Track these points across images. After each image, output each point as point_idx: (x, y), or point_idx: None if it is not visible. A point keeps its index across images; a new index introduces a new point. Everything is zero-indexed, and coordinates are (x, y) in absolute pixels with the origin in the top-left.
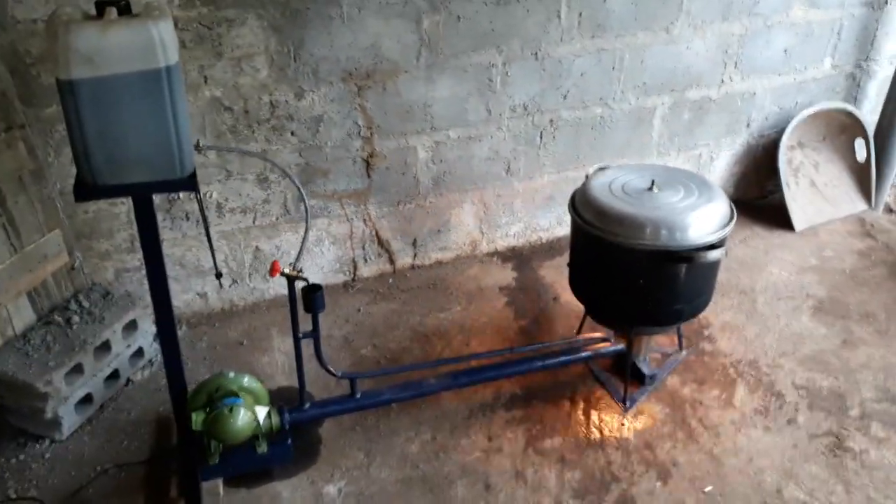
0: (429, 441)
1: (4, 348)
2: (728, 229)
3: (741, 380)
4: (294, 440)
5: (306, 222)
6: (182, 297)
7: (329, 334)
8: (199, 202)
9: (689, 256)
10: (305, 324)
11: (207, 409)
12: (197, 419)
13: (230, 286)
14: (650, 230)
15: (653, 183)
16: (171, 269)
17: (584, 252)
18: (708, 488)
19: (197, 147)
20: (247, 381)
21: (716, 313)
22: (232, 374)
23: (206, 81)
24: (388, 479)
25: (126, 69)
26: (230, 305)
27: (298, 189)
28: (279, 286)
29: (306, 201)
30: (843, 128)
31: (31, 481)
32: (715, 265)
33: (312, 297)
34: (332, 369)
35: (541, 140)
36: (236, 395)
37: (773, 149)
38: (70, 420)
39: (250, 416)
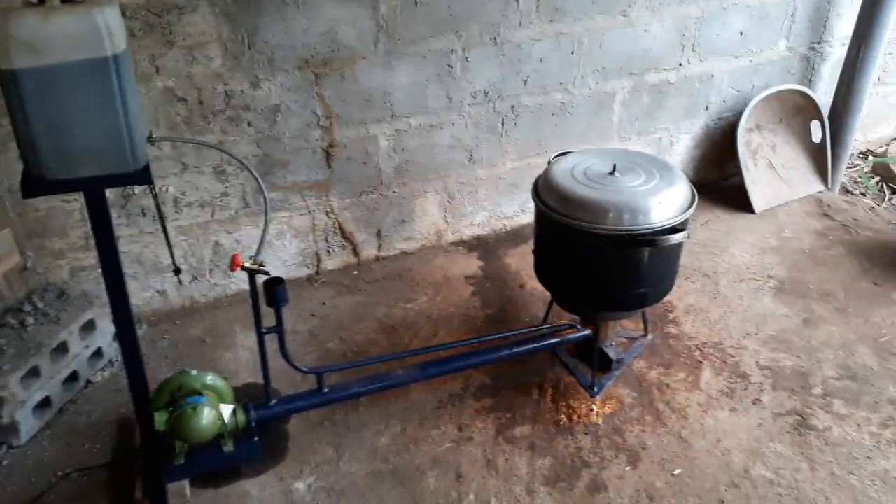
0: (398, 433)
1: None
2: (690, 212)
3: (707, 362)
4: (261, 437)
5: (265, 214)
6: (141, 296)
7: (294, 329)
8: (155, 196)
9: (651, 240)
10: (269, 319)
11: (170, 409)
12: (160, 419)
13: (190, 282)
14: (613, 214)
15: (614, 167)
16: (129, 267)
17: (548, 238)
18: (677, 471)
19: (150, 139)
20: (210, 378)
21: (680, 297)
22: (195, 372)
23: (157, 71)
24: (358, 473)
25: (71, 57)
26: (191, 302)
27: (256, 180)
28: (241, 281)
29: (265, 192)
30: (799, 109)
31: None
32: (678, 248)
33: (274, 290)
34: (297, 364)
35: (502, 127)
36: (199, 393)
37: (731, 131)
38: (28, 424)
39: (215, 414)
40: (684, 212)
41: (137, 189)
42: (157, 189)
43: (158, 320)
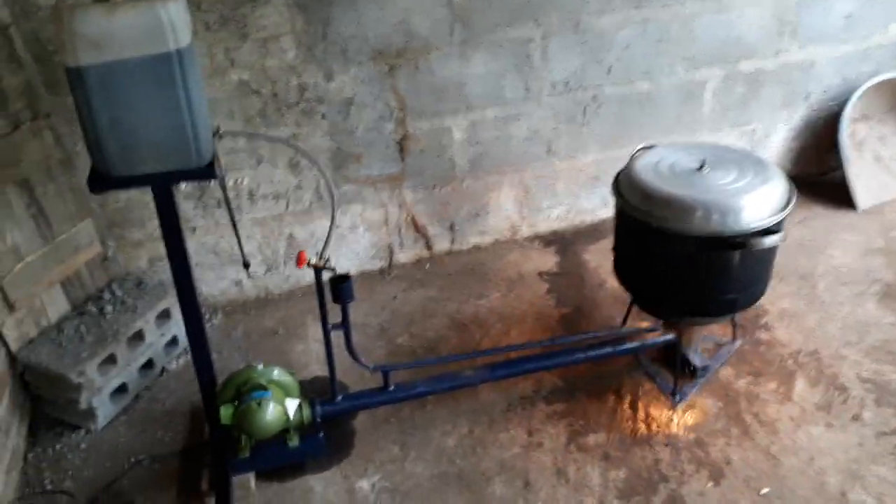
0: (466, 435)
1: (39, 339)
2: (786, 212)
3: (801, 372)
4: (326, 433)
5: (332, 212)
6: (217, 286)
7: (364, 322)
8: (224, 190)
9: (742, 242)
10: (337, 314)
11: (236, 403)
12: (225, 413)
13: (265, 274)
14: (700, 214)
15: (703, 163)
16: (205, 258)
17: (628, 237)
18: (764, 490)
19: (216, 133)
20: (276, 373)
21: (773, 300)
22: (261, 367)
23: (232, 64)
24: (423, 474)
25: (135, 53)
26: (265, 293)
27: (322, 173)
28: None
29: (331, 186)
30: None
31: (67, 472)
32: (772, 251)
33: (340, 287)
34: (364, 361)
35: (583, 117)
36: (265, 388)
37: (834, 122)
38: (105, 410)
39: (279, 409)
40: (780, 212)
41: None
42: (231, 181)
43: (233, 310)
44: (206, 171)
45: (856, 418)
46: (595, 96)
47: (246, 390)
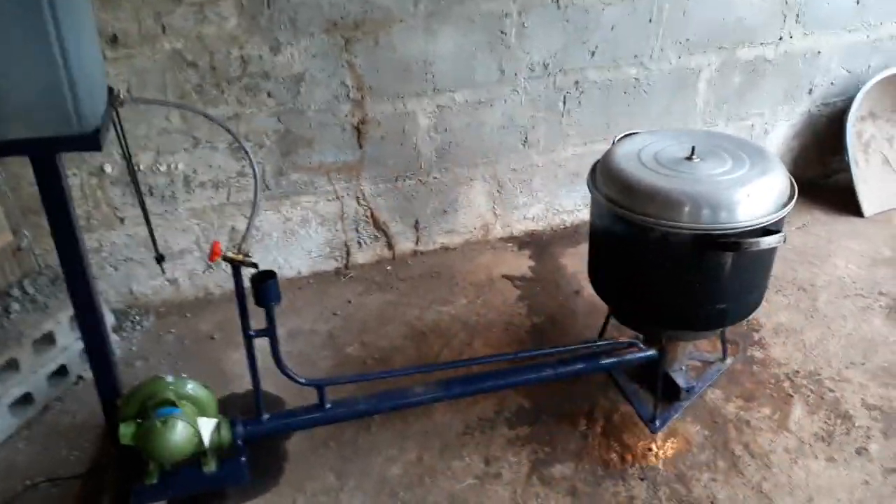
0: (413, 462)
1: None
2: (787, 209)
3: (798, 396)
4: (253, 457)
5: (255, 193)
6: (149, 284)
7: (312, 329)
8: (130, 169)
9: (737, 243)
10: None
11: (139, 421)
12: (125, 432)
13: (204, 272)
14: (689, 209)
15: (693, 151)
16: (136, 252)
17: (605, 237)
18: None
19: (115, 99)
20: (190, 387)
21: (769, 313)
22: (171, 379)
23: (163, 31)
24: None
25: None
26: (204, 293)
27: (235, 138)
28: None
29: (252, 160)
30: None
31: None
32: (770, 254)
33: (262, 286)
34: (293, 374)
35: (564, 106)
36: (174, 404)
37: (839, 120)
38: (3, 423)
39: (190, 430)
40: (780, 209)
41: (142, 164)
42: (164, 166)
43: (168, 312)
44: (90, 140)
45: (861, 452)
46: (577, 82)
47: (151, 406)
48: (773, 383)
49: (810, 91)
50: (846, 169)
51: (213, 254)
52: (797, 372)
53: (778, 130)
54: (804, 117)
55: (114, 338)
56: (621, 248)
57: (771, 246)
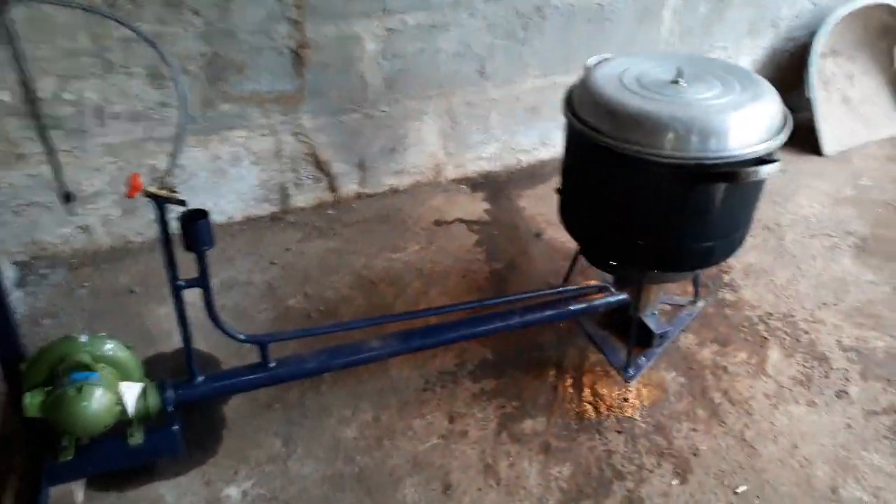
0: (369, 423)
1: None
2: (782, 137)
3: (774, 339)
4: (186, 424)
5: (181, 113)
6: (57, 232)
7: (248, 280)
8: (29, 96)
9: (733, 173)
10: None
11: (48, 389)
12: (32, 402)
13: (121, 217)
14: (677, 135)
15: (679, 73)
16: (40, 195)
17: (582, 169)
18: (741, 488)
19: None
20: (109, 347)
21: (737, 254)
22: (84, 338)
23: None
24: (311, 476)
25: None
26: (122, 242)
27: (156, 49)
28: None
29: (176, 70)
30: (886, 31)
31: None
32: (759, 188)
33: (193, 227)
34: (231, 330)
35: (524, 32)
36: (89, 368)
37: (801, 56)
38: None
39: (110, 397)
40: (775, 136)
41: (45, 92)
42: (70, 94)
43: (80, 263)
44: None
45: (841, 395)
46: (539, 7)
47: (63, 370)
48: (747, 326)
49: (775, 24)
50: (806, 107)
51: (131, 189)
52: (770, 314)
53: (740, 64)
54: (767, 52)
55: (16, 293)
56: (600, 180)
57: (770, 176)
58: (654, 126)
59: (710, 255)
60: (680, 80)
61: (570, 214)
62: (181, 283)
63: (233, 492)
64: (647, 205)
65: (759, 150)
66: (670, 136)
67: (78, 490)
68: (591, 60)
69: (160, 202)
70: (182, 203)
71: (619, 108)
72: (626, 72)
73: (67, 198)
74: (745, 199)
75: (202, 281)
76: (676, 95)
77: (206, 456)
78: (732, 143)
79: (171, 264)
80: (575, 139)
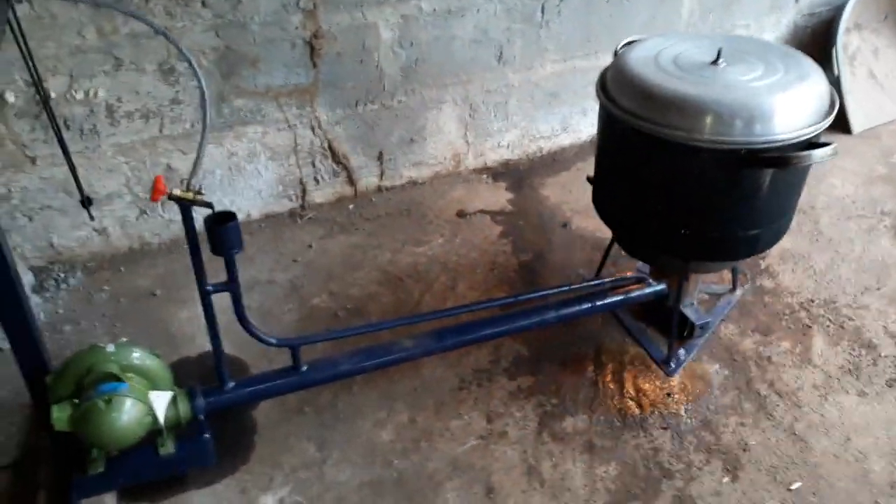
0: (406, 425)
1: None
2: (829, 119)
3: (817, 326)
4: (217, 432)
5: (203, 111)
6: (73, 235)
7: (270, 279)
8: (41, 96)
9: (780, 158)
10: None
11: (75, 402)
12: (60, 416)
13: (138, 219)
14: (721, 120)
15: (719, 54)
16: (54, 198)
17: (618, 155)
18: (795, 484)
19: None
20: (136, 355)
21: None
22: (112, 348)
23: None
24: (350, 482)
25: None
26: (140, 244)
27: (171, 42)
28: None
29: (196, 68)
30: None
31: None
32: (805, 173)
33: (221, 230)
34: (263, 334)
35: (542, 16)
36: (118, 378)
37: (824, 32)
38: None
39: (140, 408)
40: (823, 118)
41: (54, 91)
42: (81, 93)
43: (98, 267)
44: None
45: (892, 384)
46: None
47: (90, 382)
48: (789, 314)
49: (797, 0)
50: (833, 83)
51: (155, 192)
52: (811, 301)
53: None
54: (789, 28)
55: (34, 300)
56: (640, 167)
57: (822, 160)
58: (697, 110)
59: (755, 243)
60: (720, 60)
61: (607, 203)
62: (210, 287)
63: (269, 500)
64: (690, 192)
65: (809, 132)
66: (714, 120)
67: (110, 502)
68: (621, 45)
69: (186, 205)
70: (209, 205)
71: (658, 91)
72: (662, 53)
73: (87, 202)
74: (792, 185)
75: (231, 286)
76: (717, 77)
77: (239, 463)
78: (780, 127)
79: (199, 269)
80: (610, 124)
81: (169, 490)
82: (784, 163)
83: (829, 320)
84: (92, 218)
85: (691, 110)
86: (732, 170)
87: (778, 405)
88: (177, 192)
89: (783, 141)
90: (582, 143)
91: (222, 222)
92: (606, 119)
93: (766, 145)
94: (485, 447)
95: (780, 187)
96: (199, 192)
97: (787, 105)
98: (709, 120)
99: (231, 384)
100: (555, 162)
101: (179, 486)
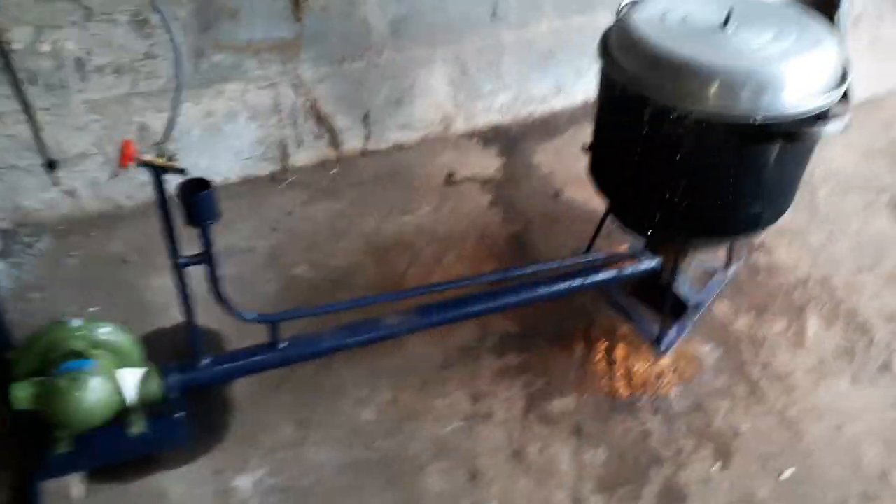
0: (388, 403)
1: None
2: (842, 89)
3: (812, 306)
4: (190, 409)
5: (177, 70)
6: (41, 196)
7: (249, 247)
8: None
9: (791, 132)
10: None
11: (39, 379)
12: (21, 395)
13: (109, 180)
14: (728, 89)
15: (728, 15)
16: (20, 157)
17: (618, 123)
18: (787, 472)
19: None
20: (104, 331)
21: None
22: (77, 323)
23: None
24: (329, 463)
25: None
26: (112, 206)
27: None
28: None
29: (168, 22)
30: None
31: None
32: (814, 146)
33: (196, 199)
34: (238, 310)
35: None
36: (83, 355)
37: None
38: None
39: (108, 386)
40: (836, 88)
41: (18, 43)
42: (47, 45)
43: (67, 230)
44: None
45: (885, 368)
46: None
47: (54, 359)
48: (784, 293)
49: None
50: None
51: (124, 157)
52: (807, 279)
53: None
54: None
55: None
56: (640, 137)
57: (834, 134)
58: (703, 77)
59: (758, 220)
60: (730, 23)
61: (604, 173)
62: (183, 259)
63: (244, 482)
64: (693, 164)
65: (820, 104)
66: (721, 89)
67: (76, 483)
68: (623, 4)
69: (157, 172)
70: (182, 172)
71: (664, 55)
72: (669, 13)
73: (51, 165)
74: (799, 160)
75: (207, 258)
76: (726, 42)
77: (214, 444)
78: (791, 98)
79: (171, 239)
80: (611, 89)
81: (139, 471)
82: (792, 137)
83: (825, 300)
84: (56, 183)
85: (697, 77)
86: (738, 142)
87: (770, 389)
88: (147, 157)
89: (793, 113)
90: (576, 108)
91: (197, 190)
92: (606, 83)
93: (774, 118)
94: (469, 429)
95: (787, 162)
96: (171, 158)
97: (799, 75)
98: (715, 88)
99: (206, 361)
100: (548, 126)
101: (150, 467)
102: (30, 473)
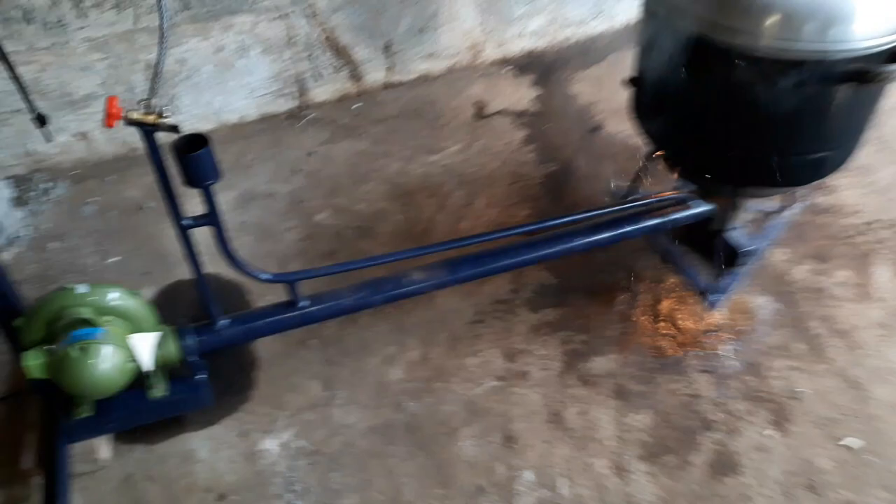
0: (417, 362)
1: None
2: None
3: (879, 253)
4: (213, 368)
5: (161, 18)
6: (54, 141)
7: (269, 192)
8: None
9: (861, 71)
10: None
11: (48, 348)
12: (33, 364)
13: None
14: (789, 22)
15: None
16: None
17: (664, 61)
18: (848, 439)
19: None
20: (113, 296)
21: None
22: (83, 289)
23: None
24: (357, 426)
25: None
26: (127, 150)
27: None
28: (197, 116)
29: None
30: None
31: None
32: (880, 89)
33: (192, 160)
34: (251, 269)
35: None
36: (92, 323)
37: None
38: None
39: (120, 354)
40: None
41: None
42: None
43: (84, 175)
44: None
45: None
46: None
47: (61, 328)
48: (847, 238)
49: None
50: None
51: (108, 116)
52: (873, 222)
53: None
54: None
55: (17, 214)
56: (690, 77)
57: None
58: (761, 9)
59: (821, 165)
60: None
61: (648, 115)
62: (187, 221)
63: (270, 444)
64: (747, 108)
65: (890, 41)
66: (782, 22)
67: (103, 444)
68: None
69: (147, 130)
70: (174, 129)
71: None
72: None
73: (41, 120)
74: (871, 100)
75: (212, 218)
76: None
77: (238, 404)
78: (862, 32)
79: (171, 200)
80: (654, 23)
81: (165, 432)
82: (864, 77)
83: (893, 246)
84: (49, 139)
85: (755, 9)
86: (801, 84)
87: (833, 346)
88: (134, 114)
89: (865, 50)
90: (616, 31)
91: (193, 148)
92: (649, 15)
93: (844, 55)
94: (503, 389)
95: (856, 105)
96: (161, 114)
97: (869, 7)
98: (775, 21)
99: (223, 322)
100: (586, 52)
101: (176, 428)
102: (54, 437)
